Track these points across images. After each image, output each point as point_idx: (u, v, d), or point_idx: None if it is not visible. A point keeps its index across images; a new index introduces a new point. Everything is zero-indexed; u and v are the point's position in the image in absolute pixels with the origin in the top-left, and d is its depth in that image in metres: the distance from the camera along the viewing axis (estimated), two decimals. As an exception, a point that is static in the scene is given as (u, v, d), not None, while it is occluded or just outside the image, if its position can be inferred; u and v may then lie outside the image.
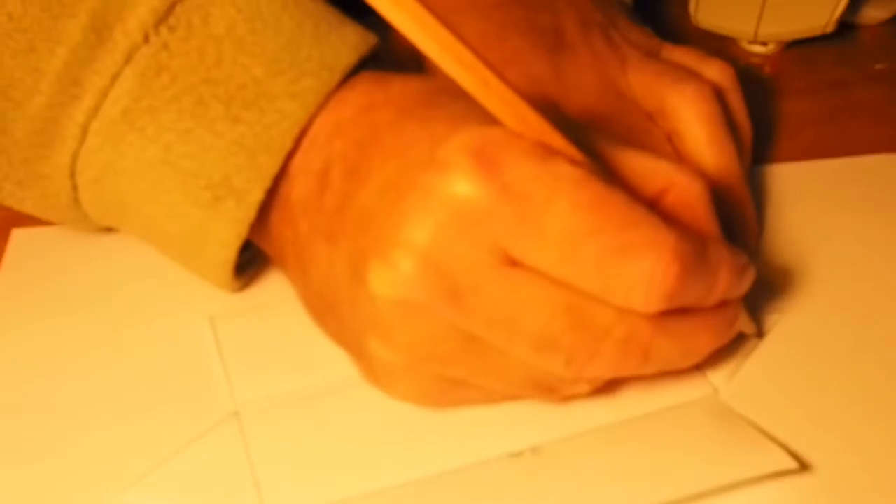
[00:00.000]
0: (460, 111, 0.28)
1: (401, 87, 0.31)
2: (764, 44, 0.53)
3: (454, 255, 0.26)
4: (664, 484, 0.29)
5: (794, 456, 0.30)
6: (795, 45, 0.53)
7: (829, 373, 0.34)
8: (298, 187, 0.31)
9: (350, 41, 0.32)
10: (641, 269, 0.26)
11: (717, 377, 0.33)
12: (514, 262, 0.27)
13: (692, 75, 0.39)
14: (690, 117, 0.38)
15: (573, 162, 0.27)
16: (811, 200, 0.42)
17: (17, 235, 0.39)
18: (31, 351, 0.34)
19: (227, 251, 0.32)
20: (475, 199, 0.26)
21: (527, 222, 0.26)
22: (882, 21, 0.56)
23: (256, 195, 0.31)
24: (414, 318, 0.27)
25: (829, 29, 0.51)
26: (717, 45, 0.53)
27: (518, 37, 0.41)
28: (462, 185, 0.26)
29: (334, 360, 0.32)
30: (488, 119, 0.27)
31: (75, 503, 0.29)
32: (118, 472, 0.30)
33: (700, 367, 0.33)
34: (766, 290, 0.37)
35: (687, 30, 0.54)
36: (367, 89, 0.31)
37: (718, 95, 0.39)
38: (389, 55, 0.34)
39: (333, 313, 0.31)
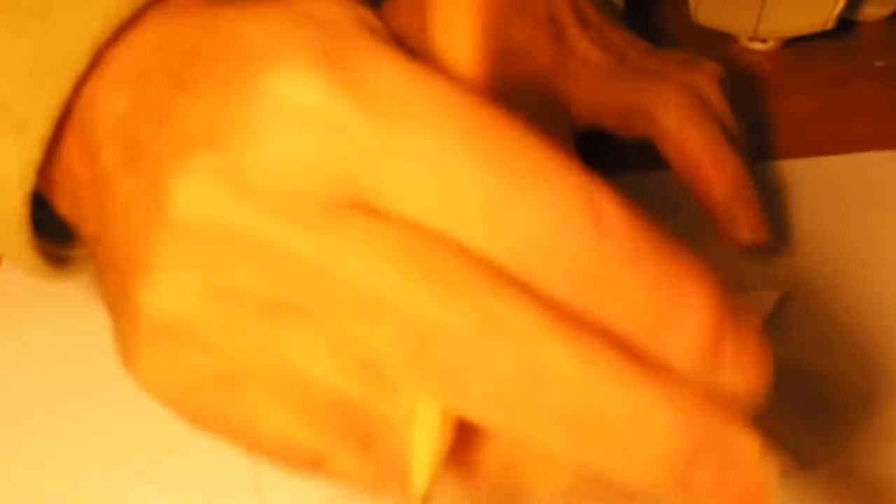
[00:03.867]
0: None
1: None
2: (764, 41, 0.53)
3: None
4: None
5: (794, 454, 0.30)
6: (795, 42, 0.53)
7: (829, 371, 0.34)
8: (110, 107, 0.23)
9: None
10: (552, 216, 0.18)
11: (717, 375, 0.33)
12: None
13: (674, 75, 0.40)
14: (678, 116, 0.39)
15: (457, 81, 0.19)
16: (811, 198, 0.42)
17: (18, 235, 0.39)
18: (32, 350, 0.34)
19: (13, 202, 0.24)
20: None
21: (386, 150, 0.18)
22: (882, 17, 0.56)
23: (40, 127, 0.23)
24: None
25: (829, 25, 0.51)
26: (716, 43, 0.53)
27: (518, 28, 0.41)
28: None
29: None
30: None
31: (77, 500, 0.29)
32: (120, 469, 0.30)
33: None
34: (765, 286, 0.37)
35: (685, 28, 0.54)
36: None
37: (704, 96, 0.40)
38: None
39: (118, 274, 0.23)
